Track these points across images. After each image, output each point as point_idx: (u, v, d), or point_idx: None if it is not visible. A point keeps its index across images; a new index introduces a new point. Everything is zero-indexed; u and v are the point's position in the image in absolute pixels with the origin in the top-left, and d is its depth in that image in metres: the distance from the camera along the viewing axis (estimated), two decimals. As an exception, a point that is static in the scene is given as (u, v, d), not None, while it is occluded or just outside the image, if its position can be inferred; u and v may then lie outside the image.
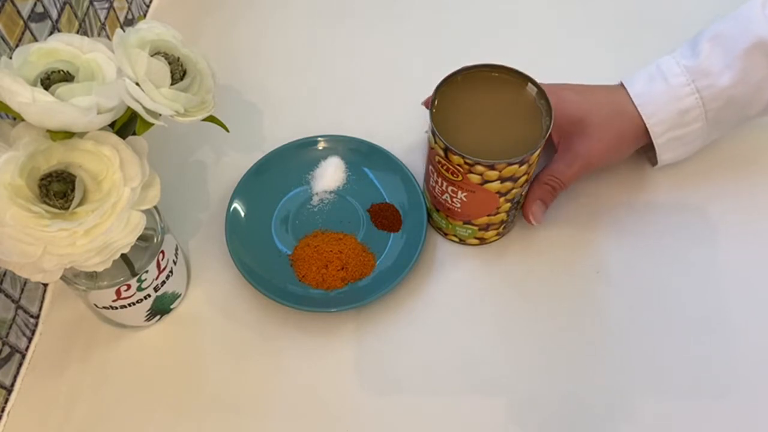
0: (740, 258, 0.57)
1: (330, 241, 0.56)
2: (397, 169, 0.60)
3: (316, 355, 0.53)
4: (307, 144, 0.62)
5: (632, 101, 0.55)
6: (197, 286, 0.56)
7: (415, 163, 0.60)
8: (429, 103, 0.53)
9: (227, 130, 0.49)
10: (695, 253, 0.57)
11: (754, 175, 0.61)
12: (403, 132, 0.62)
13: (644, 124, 0.55)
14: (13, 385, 0.52)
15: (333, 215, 0.59)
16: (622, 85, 0.57)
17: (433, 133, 0.50)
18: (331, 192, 0.60)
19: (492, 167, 0.48)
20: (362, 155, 0.61)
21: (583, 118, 0.55)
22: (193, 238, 0.59)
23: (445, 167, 0.51)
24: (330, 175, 0.60)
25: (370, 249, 0.57)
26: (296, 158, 0.61)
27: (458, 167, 0.49)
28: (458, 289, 0.56)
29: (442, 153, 0.50)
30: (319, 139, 0.62)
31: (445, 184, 0.52)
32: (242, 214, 0.58)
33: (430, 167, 0.54)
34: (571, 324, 0.54)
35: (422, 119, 0.63)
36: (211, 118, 0.47)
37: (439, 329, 0.54)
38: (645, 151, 0.60)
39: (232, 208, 0.58)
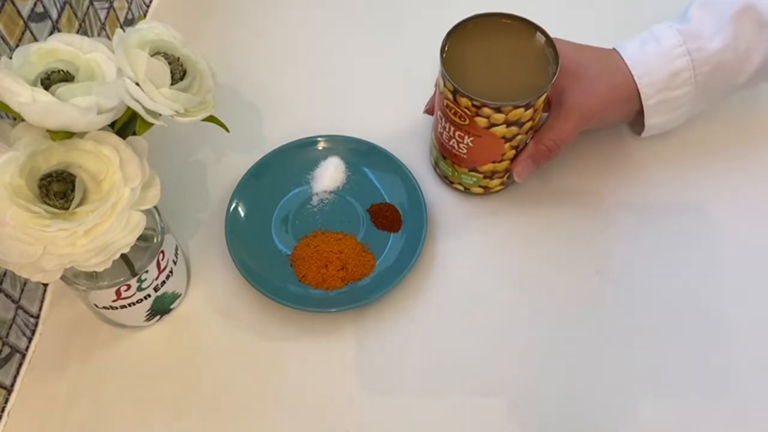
0: (740, 258, 0.57)
1: (330, 241, 0.56)
2: (397, 169, 0.60)
3: (316, 355, 0.53)
4: (307, 144, 0.62)
5: (625, 63, 0.55)
6: (197, 286, 0.56)
7: (415, 163, 0.60)
8: (430, 111, 0.53)
9: (227, 130, 0.49)
10: (696, 252, 0.57)
11: (755, 174, 0.61)
12: (403, 132, 0.62)
13: (636, 86, 0.55)
14: (13, 385, 0.52)
15: (333, 215, 0.59)
16: (615, 49, 0.58)
17: (443, 76, 0.51)
18: (331, 192, 0.60)
19: (498, 110, 0.49)
20: (362, 155, 0.61)
21: (577, 71, 0.55)
22: (193, 238, 0.59)
23: (452, 110, 0.52)
24: (330, 175, 0.60)
25: (370, 249, 0.57)
26: (296, 158, 0.61)
27: (466, 110, 0.50)
28: (458, 289, 0.56)
29: (450, 96, 0.51)
30: (319, 139, 0.62)
31: (452, 129, 0.53)
32: (242, 214, 0.58)
33: (439, 113, 0.55)
34: (571, 324, 0.54)
35: (422, 119, 0.63)
36: (211, 118, 0.47)
37: (439, 329, 0.54)
38: (631, 124, 0.61)
39: (232, 208, 0.58)
